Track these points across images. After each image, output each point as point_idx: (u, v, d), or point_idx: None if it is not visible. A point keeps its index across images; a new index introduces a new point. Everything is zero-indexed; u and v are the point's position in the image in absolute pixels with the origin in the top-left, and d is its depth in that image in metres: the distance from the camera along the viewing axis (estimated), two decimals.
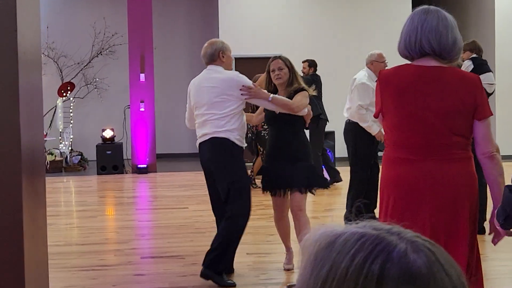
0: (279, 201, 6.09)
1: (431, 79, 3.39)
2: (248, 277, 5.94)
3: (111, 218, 9.50)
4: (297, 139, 5.89)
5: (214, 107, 5.76)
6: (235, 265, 6.24)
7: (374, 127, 7.78)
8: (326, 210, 9.41)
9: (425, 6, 3.54)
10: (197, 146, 5.87)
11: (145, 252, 7.07)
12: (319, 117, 11.38)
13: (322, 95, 11.67)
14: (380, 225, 1.07)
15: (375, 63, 8.08)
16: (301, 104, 5.75)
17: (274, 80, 6.00)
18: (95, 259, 6.71)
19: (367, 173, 8.03)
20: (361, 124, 7.84)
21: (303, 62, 11.71)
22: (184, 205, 9.54)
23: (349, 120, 8.09)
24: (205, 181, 6.11)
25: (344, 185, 11.87)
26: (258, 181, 11.46)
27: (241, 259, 6.57)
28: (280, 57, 6.07)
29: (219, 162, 5.79)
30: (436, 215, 3.36)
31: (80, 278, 6.04)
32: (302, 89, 5.86)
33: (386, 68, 8.10)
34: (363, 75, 8.03)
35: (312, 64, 11.69)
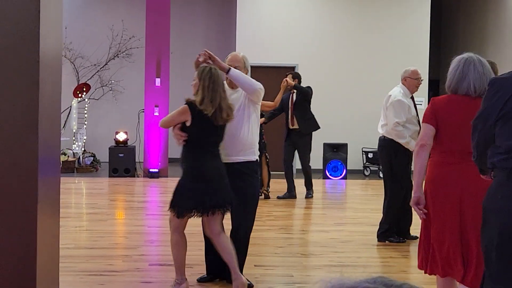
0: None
1: (470, 108, 4.39)
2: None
3: (121, 222, 9.51)
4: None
5: None
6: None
7: (412, 143, 7.77)
8: (336, 224, 9.38)
9: (470, 55, 4.66)
10: None
11: (153, 259, 7.07)
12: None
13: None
14: (391, 281, 1.06)
15: (409, 79, 8.10)
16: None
17: None
18: (103, 264, 6.72)
19: (403, 190, 8.01)
20: (399, 140, 7.87)
21: (288, 74, 11.74)
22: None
23: (384, 136, 8.09)
24: None
25: (351, 200, 11.84)
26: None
27: (249, 271, 6.56)
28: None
29: None
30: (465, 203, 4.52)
31: (88, 283, 6.04)
32: None
33: (420, 84, 8.14)
34: (398, 92, 8.04)
35: (296, 76, 11.76)
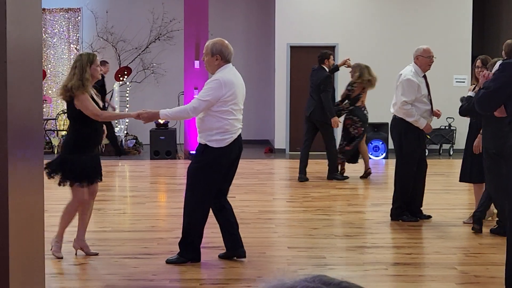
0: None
1: None
2: (285, 272, 5.95)
3: (159, 205, 9.63)
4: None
5: (242, 104, 6.23)
6: (274, 259, 6.28)
7: (421, 121, 7.74)
8: (373, 205, 9.35)
9: None
10: (232, 139, 6.05)
11: None
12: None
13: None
14: (330, 279, 1.08)
15: (421, 58, 8.01)
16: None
17: (98, 75, 6.42)
18: (138, 247, 6.83)
19: (412, 169, 7.96)
20: (407, 119, 7.81)
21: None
22: (232, 194, 9.49)
23: (395, 116, 8.04)
24: (238, 171, 6.47)
25: (391, 180, 11.79)
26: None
27: (281, 252, 6.61)
28: None
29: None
30: None
31: (122, 266, 6.15)
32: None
33: (432, 63, 8.01)
34: (409, 71, 7.97)
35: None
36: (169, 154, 14.44)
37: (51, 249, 6.27)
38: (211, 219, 8.43)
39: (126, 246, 6.85)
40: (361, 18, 16.04)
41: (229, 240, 6.34)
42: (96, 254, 6.44)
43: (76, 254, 6.42)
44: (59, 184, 6.26)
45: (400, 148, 7.98)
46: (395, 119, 8.04)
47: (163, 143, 14.47)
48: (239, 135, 6.14)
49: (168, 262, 6.19)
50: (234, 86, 5.98)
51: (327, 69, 11.54)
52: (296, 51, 16.01)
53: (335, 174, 11.46)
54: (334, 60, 11.87)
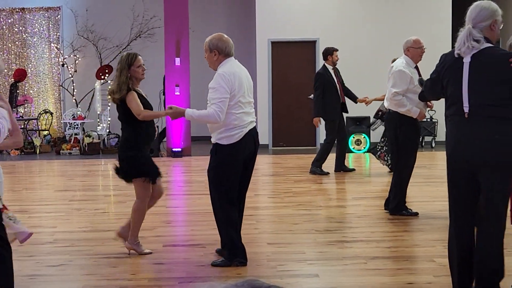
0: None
1: None
2: (264, 268, 5.96)
3: None
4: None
5: (252, 96, 6.03)
6: (254, 256, 6.28)
7: (414, 110, 7.78)
8: (354, 199, 9.37)
9: None
10: (243, 134, 5.85)
11: (167, 240, 7.13)
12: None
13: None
14: (259, 283, 1.07)
15: (411, 49, 8.05)
16: None
17: (141, 76, 6.35)
18: (118, 246, 6.79)
19: (410, 162, 8.00)
20: (399, 109, 7.84)
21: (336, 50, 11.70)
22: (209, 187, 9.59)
23: (390, 110, 8.07)
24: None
25: (373, 174, 11.82)
26: None
27: (261, 249, 6.61)
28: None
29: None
30: None
31: (101, 266, 6.13)
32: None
33: (423, 53, 8.07)
34: (401, 63, 8.02)
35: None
36: (152, 152, 14.31)
37: (129, 252, 6.44)
38: (192, 216, 8.46)
39: (105, 246, 6.83)
40: (342, 13, 16.06)
41: None
42: (150, 253, 6.48)
43: (129, 253, 6.46)
44: (128, 183, 6.54)
45: (396, 141, 7.99)
46: (390, 113, 8.07)
47: None
48: (253, 129, 5.97)
49: (214, 265, 6.06)
50: (238, 77, 5.82)
51: (329, 66, 11.55)
52: (277, 46, 16.02)
53: (343, 166, 11.67)
54: (338, 56, 11.80)
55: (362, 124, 15.02)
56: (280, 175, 11.67)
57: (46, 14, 17.31)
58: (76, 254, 6.56)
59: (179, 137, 14.38)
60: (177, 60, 14.41)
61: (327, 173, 11.46)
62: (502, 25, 4.84)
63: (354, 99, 11.80)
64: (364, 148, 14.86)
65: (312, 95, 11.80)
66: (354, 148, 14.88)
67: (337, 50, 11.70)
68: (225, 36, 5.99)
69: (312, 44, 16.06)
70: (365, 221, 7.86)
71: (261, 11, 15.96)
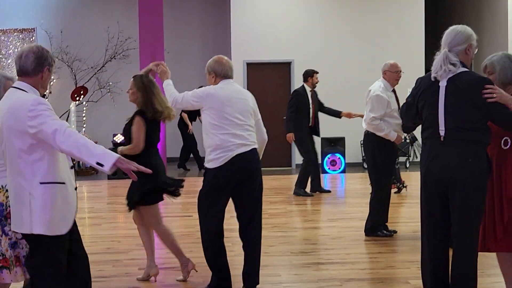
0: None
1: None
2: None
3: (116, 226, 9.56)
4: None
5: (250, 118, 5.86)
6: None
7: (392, 133, 7.86)
8: (329, 220, 9.41)
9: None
10: (228, 158, 5.65)
11: (143, 263, 7.07)
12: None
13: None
14: None
15: (388, 73, 8.15)
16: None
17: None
18: (92, 269, 6.65)
19: (388, 183, 8.08)
20: (378, 133, 7.94)
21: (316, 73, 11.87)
22: (189, 212, 9.58)
23: (367, 131, 8.14)
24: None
25: (348, 195, 11.87)
26: None
27: (237, 271, 6.58)
28: (134, 77, 6.54)
29: (260, 174, 5.87)
30: None
31: None
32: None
33: (400, 77, 8.17)
34: (378, 86, 8.09)
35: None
36: (126, 174, 14.32)
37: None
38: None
39: None
40: (316, 35, 16.18)
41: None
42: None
43: (155, 280, 6.44)
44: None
45: (374, 163, 8.06)
46: (367, 134, 8.15)
47: None
48: (246, 153, 5.71)
49: None
50: (217, 99, 5.71)
51: (307, 88, 11.69)
52: (252, 67, 16.09)
53: (300, 190, 11.63)
54: (318, 79, 11.94)
55: (336, 145, 15.10)
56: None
57: (20, 36, 17.26)
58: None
59: None
60: (154, 67, 14.37)
61: (312, 195, 11.51)
62: (476, 49, 4.93)
63: (337, 114, 11.87)
64: (339, 169, 14.93)
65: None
66: (329, 168, 14.94)
67: (317, 72, 11.85)
68: (225, 58, 5.96)
69: (287, 65, 16.15)
70: (340, 242, 7.90)
71: (236, 33, 16.05)
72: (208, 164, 5.73)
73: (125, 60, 17.09)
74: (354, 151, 15.71)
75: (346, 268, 6.70)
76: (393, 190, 11.36)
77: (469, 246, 4.72)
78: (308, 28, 16.21)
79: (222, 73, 5.88)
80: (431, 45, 18.09)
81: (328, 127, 15.48)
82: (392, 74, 8.15)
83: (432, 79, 4.79)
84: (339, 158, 14.96)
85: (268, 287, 6.11)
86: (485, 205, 4.76)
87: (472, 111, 4.63)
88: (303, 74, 11.90)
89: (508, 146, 4.82)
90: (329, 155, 14.96)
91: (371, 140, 8.08)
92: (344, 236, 8.22)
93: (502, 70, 4.93)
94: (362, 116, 11.61)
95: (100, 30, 17.03)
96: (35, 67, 4.26)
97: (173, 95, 5.96)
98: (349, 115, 11.48)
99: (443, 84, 4.73)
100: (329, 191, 11.89)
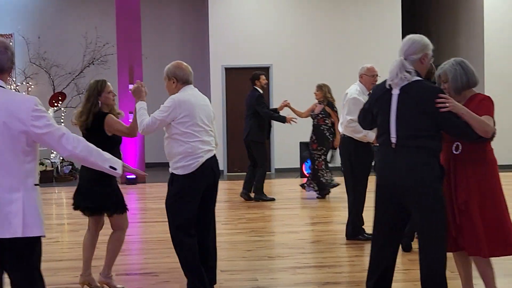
0: None
1: None
2: None
3: None
4: None
5: (212, 124, 5.95)
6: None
7: (370, 135, 7.83)
8: (307, 224, 9.45)
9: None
10: (199, 164, 5.70)
11: (119, 269, 7.08)
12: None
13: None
14: None
15: (365, 76, 8.19)
16: None
17: (111, 102, 6.24)
18: (69, 276, 6.75)
19: (364, 186, 8.09)
20: (355, 136, 7.94)
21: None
22: (165, 217, 9.57)
23: (344, 135, 8.17)
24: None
25: (326, 199, 11.91)
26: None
27: (221, 276, 6.62)
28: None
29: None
30: None
31: None
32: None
33: (376, 81, 8.20)
34: (355, 90, 8.12)
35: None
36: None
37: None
38: (146, 244, 8.44)
39: (57, 276, 6.77)
40: (294, 39, 16.25)
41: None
42: None
43: None
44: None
45: (350, 166, 8.09)
46: (344, 138, 8.18)
47: None
48: (212, 158, 5.81)
49: None
50: (190, 106, 5.69)
51: (259, 90, 11.71)
52: (231, 72, 16.13)
53: (262, 195, 11.63)
54: (266, 79, 12.01)
55: None
56: (234, 202, 11.70)
57: None
58: None
59: (133, 163, 14.34)
60: (131, 86, 14.37)
61: (273, 199, 11.56)
62: (432, 59, 5.01)
63: (276, 112, 11.92)
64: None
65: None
66: (308, 173, 14.96)
67: (263, 74, 11.89)
68: (184, 64, 5.91)
69: (265, 70, 16.19)
70: (318, 246, 7.94)
71: (214, 38, 16.08)
72: (177, 171, 5.71)
73: (103, 65, 17.04)
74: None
75: (322, 272, 6.73)
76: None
77: (433, 251, 4.81)
78: (287, 33, 16.27)
79: (183, 79, 5.84)
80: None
81: (307, 131, 15.54)
82: (369, 78, 8.19)
83: (387, 87, 4.89)
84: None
85: None
86: (445, 209, 4.84)
87: (423, 119, 4.74)
88: (251, 78, 11.93)
89: (459, 151, 4.94)
90: (308, 160, 14.98)
91: (347, 144, 8.11)
92: (322, 240, 8.26)
93: (453, 78, 5.04)
94: (297, 113, 11.64)
95: (78, 36, 16.99)
96: (10, 64, 4.07)
97: (144, 121, 5.71)
98: (286, 104, 11.53)
99: (395, 92, 4.82)
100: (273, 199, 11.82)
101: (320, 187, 11.60)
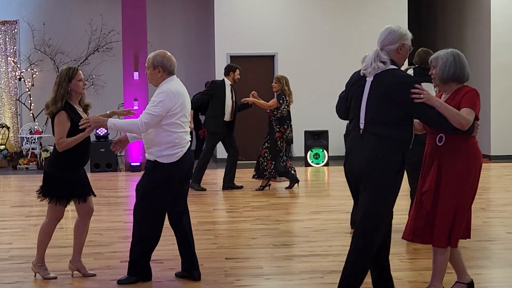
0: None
1: None
2: (221, 283, 5.96)
3: (98, 219, 9.50)
4: None
5: (189, 115, 6.02)
6: (212, 271, 6.29)
7: None
8: (312, 213, 9.43)
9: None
10: (182, 153, 5.82)
11: (125, 256, 7.03)
12: None
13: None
14: None
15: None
16: None
17: (81, 90, 6.12)
18: None
19: None
20: None
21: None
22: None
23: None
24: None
25: (331, 187, 11.90)
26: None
27: (219, 264, 6.61)
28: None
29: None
30: None
31: (56, 283, 6.07)
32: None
33: None
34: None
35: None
36: (109, 167, 14.33)
37: (35, 276, 6.22)
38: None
39: (61, 263, 6.75)
40: (300, 27, 16.19)
41: (185, 259, 6.14)
42: (94, 275, 6.29)
43: (72, 275, 6.29)
44: (39, 198, 6.23)
45: None
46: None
47: (103, 156, 14.36)
48: (189, 148, 5.96)
49: (120, 282, 5.98)
50: (182, 97, 5.78)
51: (227, 82, 11.63)
52: (236, 61, 16.05)
53: (231, 183, 11.76)
54: (240, 75, 11.84)
55: (320, 138, 15.12)
56: (239, 189, 11.68)
57: (2, 28, 17.13)
58: (30, 271, 6.47)
59: (137, 151, 14.32)
60: (136, 74, 14.38)
61: (204, 189, 11.59)
62: (411, 49, 4.98)
63: (246, 106, 11.89)
64: (323, 162, 14.97)
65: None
66: (313, 162, 14.97)
67: (239, 68, 11.76)
68: (169, 53, 5.95)
69: (270, 58, 16.16)
70: (323, 235, 7.92)
71: (219, 26, 16.02)
72: (161, 159, 5.78)
73: (108, 52, 17.04)
74: (337, 144, 15.72)
75: (328, 260, 6.71)
76: None
77: (364, 239, 4.99)
78: (292, 21, 16.21)
79: (170, 69, 5.88)
80: (414, 42, 18.19)
81: (311, 120, 15.52)
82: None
83: (362, 74, 4.95)
84: (322, 151, 14.97)
85: (250, 279, 6.11)
86: (392, 202, 4.92)
87: (392, 107, 4.77)
88: (225, 68, 11.88)
89: (442, 143, 4.97)
90: (312, 149, 14.98)
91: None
92: (327, 228, 8.24)
93: (442, 66, 5.05)
94: (260, 104, 11.51)
95: (83, 23, 16.96)
96: None
97: (137, 123, 5.70)
98: (252, 95, 11.47)
99: (369, 79, 4.88)
100: (241, 187, 11.78)
101: (279, 173, 11.30)
